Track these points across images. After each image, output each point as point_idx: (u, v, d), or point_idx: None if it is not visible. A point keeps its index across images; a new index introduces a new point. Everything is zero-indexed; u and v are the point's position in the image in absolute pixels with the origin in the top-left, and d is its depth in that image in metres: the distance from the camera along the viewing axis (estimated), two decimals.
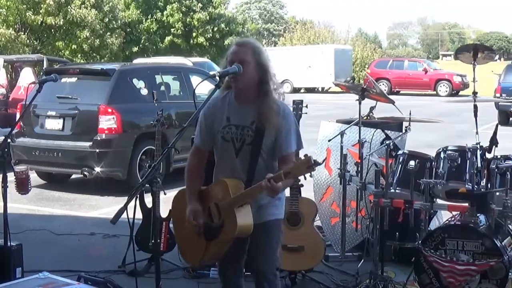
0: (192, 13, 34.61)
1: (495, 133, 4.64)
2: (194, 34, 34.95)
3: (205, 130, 3.44)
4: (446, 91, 29.36)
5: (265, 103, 3.25)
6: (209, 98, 3.37)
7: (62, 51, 25.41)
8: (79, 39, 25.14)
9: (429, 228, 4.83)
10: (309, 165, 2.95)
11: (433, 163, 4.71)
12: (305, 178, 3.14)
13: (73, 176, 9.29)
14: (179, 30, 34.32)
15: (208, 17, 34.51)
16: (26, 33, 24.41)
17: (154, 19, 34.48)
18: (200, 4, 34.61)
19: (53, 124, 8.55)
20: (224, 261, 3.52)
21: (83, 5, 25.05)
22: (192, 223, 3.37)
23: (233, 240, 3.31)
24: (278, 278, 3.53)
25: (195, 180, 3.46)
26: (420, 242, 4.40)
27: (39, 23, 24.20)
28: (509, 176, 4.27)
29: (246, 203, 3.26)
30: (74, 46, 25.39)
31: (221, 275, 3.65)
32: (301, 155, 3.08)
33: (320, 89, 33.76)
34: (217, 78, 3.26)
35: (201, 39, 34.63)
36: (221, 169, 3.42)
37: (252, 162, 3.28)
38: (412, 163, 4.52)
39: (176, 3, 34.28)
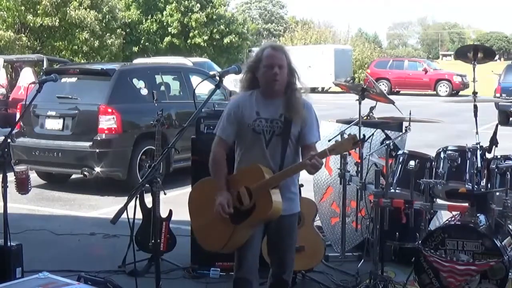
0: (190, 13, 34.52)
1: (495, 133, 4.64)
2: (191, 35, 34.89)
3: (233, 124, 3.61)
4: (446, 91, 29.34)
5: (292, 97, 3.58)
6: (209, 98, 3.44)
7: (63, 52, 25.36)
8: (79, 41, 25.09)
9: (429, 228, 4.83)
10: (355, 141, 3.34)
11: (433, 163, 4.71)
12: (349, 154, 3.47)
13: (73, 176, 9.28)
14: (174, 30, 34.23)
15: (205, 19, 34.44)
16: (26, 34, 24.36)
17: (154, 20, 34.42)
18: (198, 5, 34.51)
19: (53, 124, 8.55)
20: (245, 249, 3.57)
21: (81, 6, 24.96)
22: (224, 212, 3.44)
23: (262, 223, 3.52)
24: None
25: (223, 167, 3.60)
26: (420, 242, 4.40)
27: (38, 25, 24.13)
28: (509, 176, 4.27)
29: (277, 187, 3.47)
30: (75, 47, 25.35)
31: (241, 261, 3.61)
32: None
33: (320, 89, 33.72)
34: (217, 78, 3.35)
35: (199, 40, 34.59)
36: (249, 159, 3.59)
37: (283, 150, 3.56)
38: (412, 163, 4.53)
39: (175, 3, 34.20)
